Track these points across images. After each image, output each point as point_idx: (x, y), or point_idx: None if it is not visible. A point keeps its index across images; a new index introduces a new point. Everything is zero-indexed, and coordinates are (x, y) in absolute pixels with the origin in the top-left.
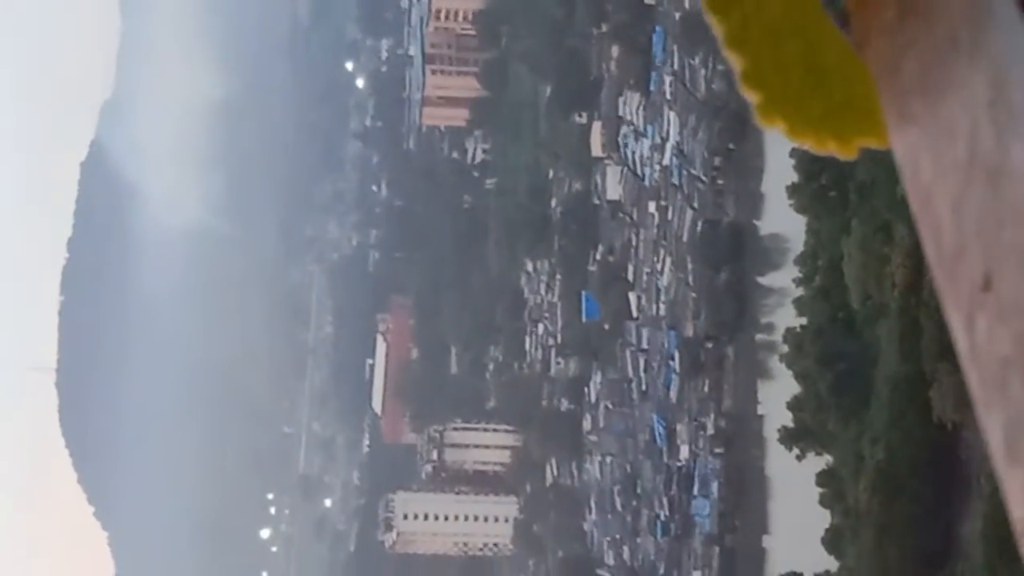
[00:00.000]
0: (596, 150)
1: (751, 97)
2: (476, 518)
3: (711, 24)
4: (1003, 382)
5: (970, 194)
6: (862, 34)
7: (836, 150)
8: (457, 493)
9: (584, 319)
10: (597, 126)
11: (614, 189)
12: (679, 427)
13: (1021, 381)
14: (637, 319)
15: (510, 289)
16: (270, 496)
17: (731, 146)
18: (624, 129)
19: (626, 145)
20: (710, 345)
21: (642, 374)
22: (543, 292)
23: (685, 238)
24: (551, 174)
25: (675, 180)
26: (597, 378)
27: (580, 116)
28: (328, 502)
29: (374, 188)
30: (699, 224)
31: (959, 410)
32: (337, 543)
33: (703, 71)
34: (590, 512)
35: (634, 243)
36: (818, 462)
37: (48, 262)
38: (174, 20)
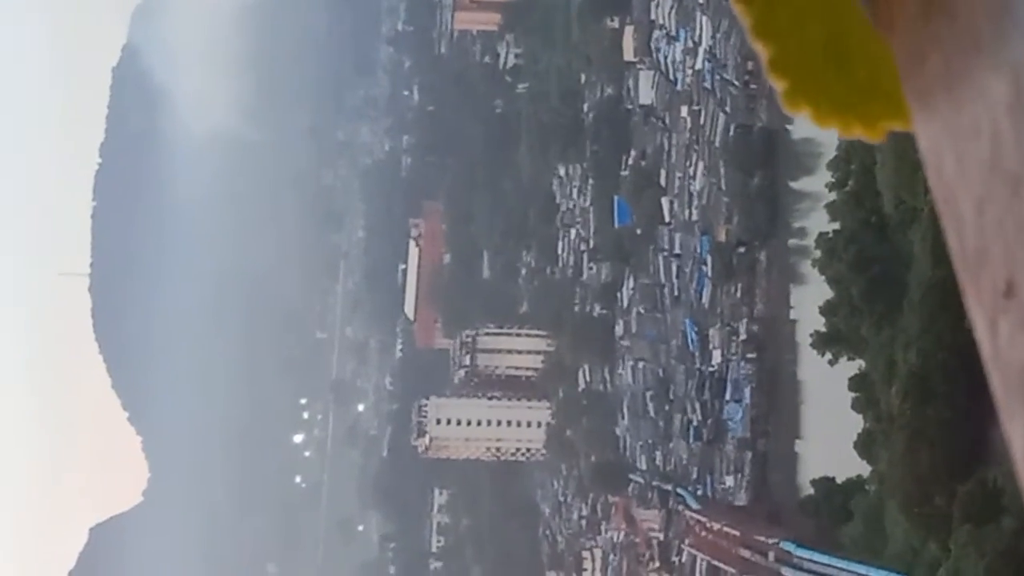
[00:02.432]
0: (628, 54)
1: (777, 84)
2: (508, 423)
3: (737, 14)
4: None
5: (992, 197)
6: (886, 23)
7: (863, 134)
8: (489, 398)
9: (616, 224)
10: (629, 30)
11: (646, 93)
12: (711, 332)
13: None
14: (669, 224)
15: (542, 194)
16: (303, 401)
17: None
18: (656, 33)
19: (658, 49)
20: (742, 250)
21: (674, 279)
22: (575, 197)
23: (717, 143)
24: (583, 78)
25: (707, 84)
26: (629, 283)
27: (612, 20)
28: (361, 407)
29: (406, 93)
30: (731, 128)
31: None
32: (370, 448)
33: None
34: (622, 417)
35: (666, 148)
36: (850, 367)
37: (81, 167)
38: None
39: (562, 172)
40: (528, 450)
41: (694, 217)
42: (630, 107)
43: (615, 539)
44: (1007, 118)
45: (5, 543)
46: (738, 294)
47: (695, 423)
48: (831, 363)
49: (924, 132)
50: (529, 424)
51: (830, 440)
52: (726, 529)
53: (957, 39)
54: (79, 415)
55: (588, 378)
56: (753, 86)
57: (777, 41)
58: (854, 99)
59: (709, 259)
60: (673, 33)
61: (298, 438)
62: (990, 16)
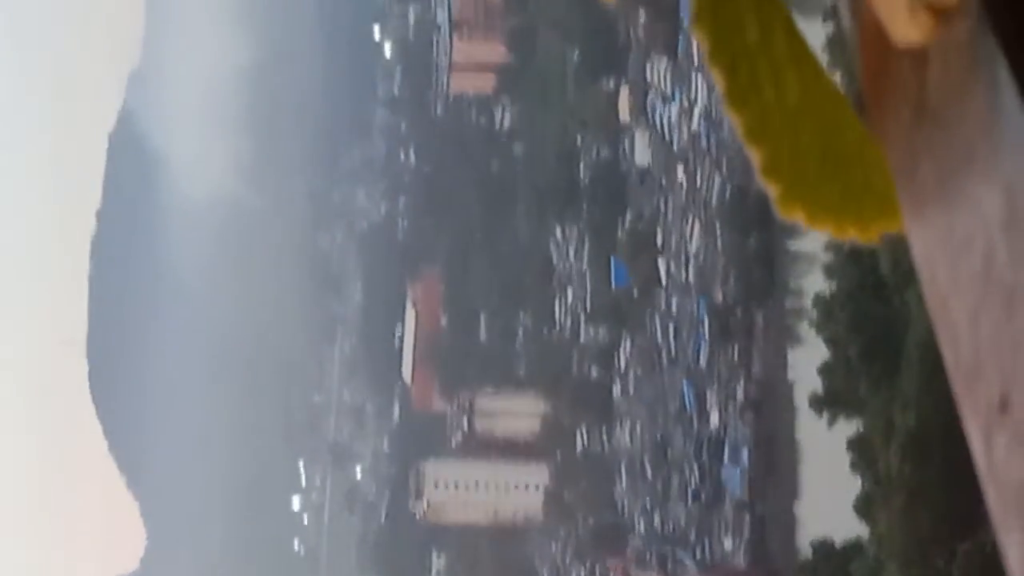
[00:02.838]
0: (624, 115)
1: (771, 189)
2: (506, 486)
3: (730, 118)
4: (1020, 506)
5: (986, 310)
6: (879, 128)
7: (856, 236)
8: (487, 461)
9: (613, 285)
10: (624, 91)
11: (642, 154)
12: (709, 393)
13: None
14: (666, 285)
15: (539, 255)
16: (300, 465)
17: None
18: (652, 94)
19: (654, 110)
20: (739, 311)
21: (671, 340)
22: (572, 258)
23: (714, 203)
24: (579, 140)
25: (703, 145)
26: (627, 345)
27: (607, 82)
28: (358, 471)
29: (402, 155)
30: (728, 189)
31: None
32: (368, 512)
33: None
34: (620, 479)
35: (663, 209)
36: (849, 428)
37: (77, 234)
38: None
39: (559, 234)
40: (526, 513)
41: (691, 278)
42: (626, 168)
43: None
44: (1000, 234)
45: None
46: (735, 355)
47: (693, 485)
48: (829, 424)
49: (918, 240)
50: (527, 487)
51: (829, 502)
52: None
53: (950, 150)
54: (76, 480)
55: (586, 440)
56: None
57: (770, 145)
58: (848, 202)
59: (706, 320)
60: (668, 94)
61: (296, 503)
62: (983, 129)
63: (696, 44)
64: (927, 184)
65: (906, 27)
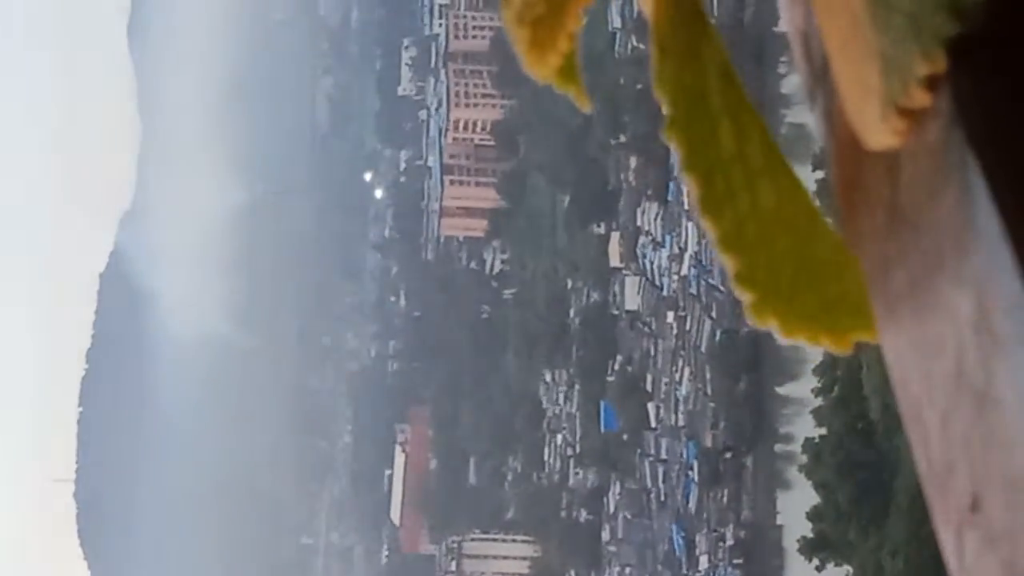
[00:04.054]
0: (614, 260)
1: (744, 297)
2: None
3: (705, 227)
4: None
5: (958, 412)
6: (853, 236)
7: (830, 345)
8: None
9: (603, 429)
10: (615, 236)
11: (632, 299)
12: (698, 537)
13: None
14: (656, 429)
15: (528, 399)
16: None
17: None
18: (642, 239)
19: (644, 255)
20: (729, 455)
21: (661, 484)
22: (561, 402)
23: (704, 348)
24: (569, 284)
25: (693, 290)
26: (616, 488)
27: (598, 226)
28: None
29: (392, 299)
30: (717, 334)
31: None
32: None
33: None
34: None
35: (652, 353)
36: (838, 573)
37: (67, 374)
38: (192, 127)
39: (548, 377)
40: None
41: (680, 422)
42: (616, 312)
43: None
44: (971, 335)
45: None
46: (725, 499)
47: None
48: (818, 569)
49: (890, 345)
50: None
51: None
52: None
53: (922, 253)
54: None
55: None
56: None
57: (744, 254)
58: (822, 311)
59: (695, 464)
60: (659, 239)
61: None
62: (953, 232)
63: (685, 187)
64: (900, 288)
65: (879, 131)
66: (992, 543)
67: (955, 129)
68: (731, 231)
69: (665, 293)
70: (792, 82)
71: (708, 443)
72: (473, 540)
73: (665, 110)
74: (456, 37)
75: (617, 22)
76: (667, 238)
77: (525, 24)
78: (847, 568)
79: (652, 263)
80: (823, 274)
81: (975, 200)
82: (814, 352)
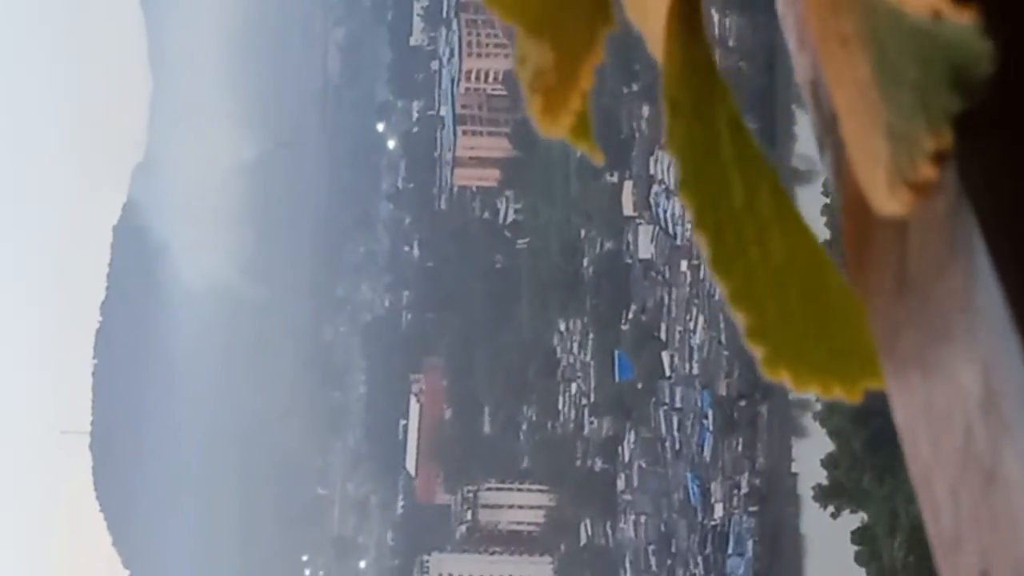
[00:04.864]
0: (627, 209)
1: (756, 351)
2: None
3: (716, 283)
4: None
5: (966, 487)
6: (861, 288)
7: (842, 394)
8: (491, 554)
9: (617, 378)
10: (628, 185)
11: (646, 248)
12: (713, 486)
13: None
14: (670, 378)
15: (543, 349)
16: (304, 558)
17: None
18: (655, 188)
19: (657, 204)
20: (743, 403)
21: (675, 433)
22: (576, 351)
23: (717, 296)
24: (583, 233)
25: None
26: (630, 437)
27: (611, 175)
28: (362, 564)
29: (406, 249)
30: None
31: None
32: None
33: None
34: (625, 572)
35: (666, 302)
36: (853, 520)
37: (82, 326)
38: (204, 80)
39: (562, 327)
40: None
41: (695, 371)
42: (630, 261)
43: None
44: (978, 414)
45: None
46: (739, 447)
47: None
48: (833, 516)
49: (900, 409)
50: None
51: None
52: None
53: (929, 324)
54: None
55: (590, 533)
56: None
57: (756, 308)
58: (833, 362)
59: (710, 413)
60: (672, 188)
61: None
62: (961, 306)
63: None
64: (908, 355)
65: (887, 199)
66: None
67: (962, 206)
68: (742, 286)
69: (679, 242)
70: None
71: (723, 391)
72: (488, 489)
73: (677, 169)
74: None
75: None
76: None
77: (537, 92)
78: (862, 515)
79: (665, 211)
80: (833, 323)
81: (981, 282)
82: None
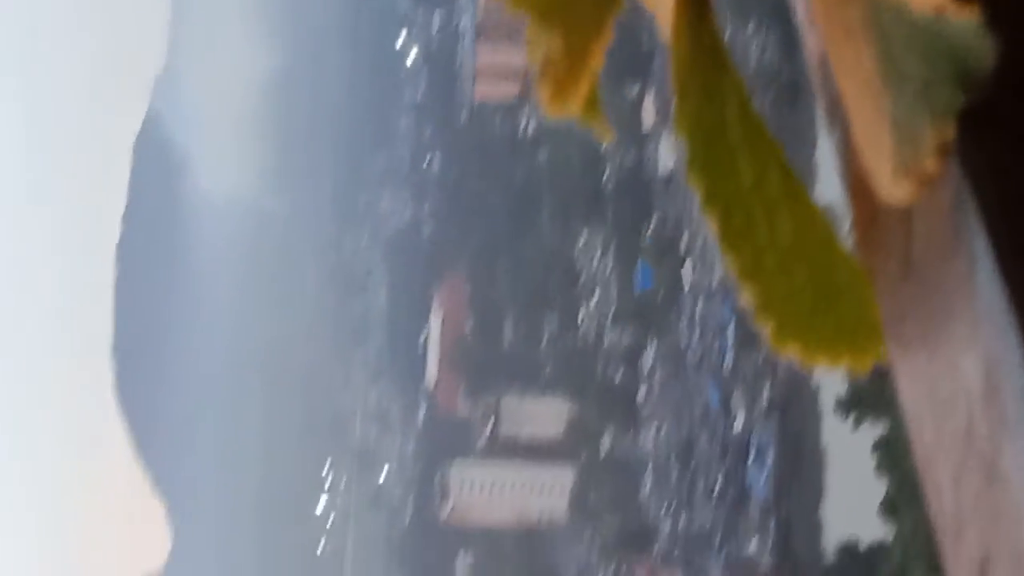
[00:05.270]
0: (648, 120)
1: (764, 326)
2: (531, 488)
3: (725, 261)
4: None
5: (967, 475)
6: (869, 268)
7: (851, 366)
8: (512, 463)
9: (638, 289)
10: (649, 96)
11: (667, 159)
12: (734, 396)
13: None
14: (691, 289)
15: (564, 260)
16: (326, 468)
17: (784, 117)
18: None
19: None
20: None
21: (697, 344)
22: (597, 263)
23: None
24: (603, 146)
25: None
26: (652, 348)
27: (632, 87)
28: (384, 473)
29: (427, 161)
30: None
31: None
32: (393, 515)
33: (755, 41)
34: (645, 482)
35: (688, 213)
36: (874, 430)
37: (103, 237)
38: None
39: (583, 238)
40: (551, 515)
41: (716, 282)
42: (651, 173)
43: None
44: (980, 405)
45: None
46: (761, 358)
47: (718, 487)
48: (855, 426)
49: (905, 391)
50: (552, 489)
51: (854, 504)
52: None
53: (932, 312)
54: (102, 481)
55: (611, 443)
56: None
57: (763, 285)
58: (841, 335)
59: (732, 324)
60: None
61: (321, 506)
62: (963, 297)
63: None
64: (913, 339)
65: (891, 188)
66: None
67: (965, 198)
68: (750, 263)
69: None
70: None
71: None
72: (510, 400)
73: (685, 152)
74: None
75: None
76: None
77: (546, 79)
78: (883, 425)
79: None
80: (842, 299)
81: (982, 275)
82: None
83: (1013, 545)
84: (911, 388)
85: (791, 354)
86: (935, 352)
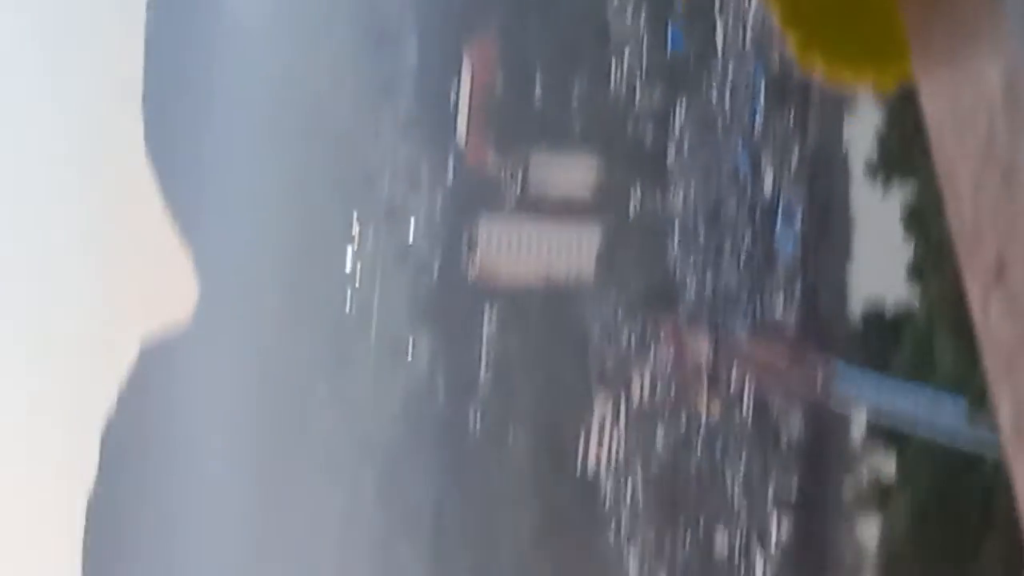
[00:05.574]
0: None
1: (789, 38)
2: (559, 246)
3: None
4: (1010, 368)
5: (987, 182)
6: None
7: (874, 81)
8: (540, 221)
9: (670, 50)
10: None
11: None
12: (764, 158)
13: None
14: (723, 50)
15: (596, 18)
16: (354, 223)
17: None
18: None
19: None
20: (796, 76)
21: (727, 106)
22: (629, 22)
23: None
24: None
25: None
26: (682, 109)
27: None
28: (412, 227)
29: None
30: None
31: None
32: (420, 270)
33: None
34: (673, 242)
35: None
36: (903, 193)
37: None
38: None
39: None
40: (578, 273)
41: (748, 44)
42: None
43: (663, 363)
44: (1001, 112)
45: (57, 348)
46: (791, 120)
47: (745, 249)
48: (884, 189)
49: (928, 101)
50: (580, 247)
51: (881, 267)
52: (775, 354)
53: (957, 23)
54: (129, 229)
55: (639, 202)
56: None
57: None
58: (866, 48)
59: (762, 86)
60: None
61: (349, 259)
62: (988, 10)
63: None
64: (938, 52)
65: None
66: (1012, 311)
67: None
68: None
69: None
70: None
71: (776, 65)
72: (539, 157)
73: None
74: None
75: None
76: None
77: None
78: (912, 188)
79: None
80: (866, 12)
81: None
82: None
83: None
84: (934, 101)
85: (815, 68)
86: (958, 64)
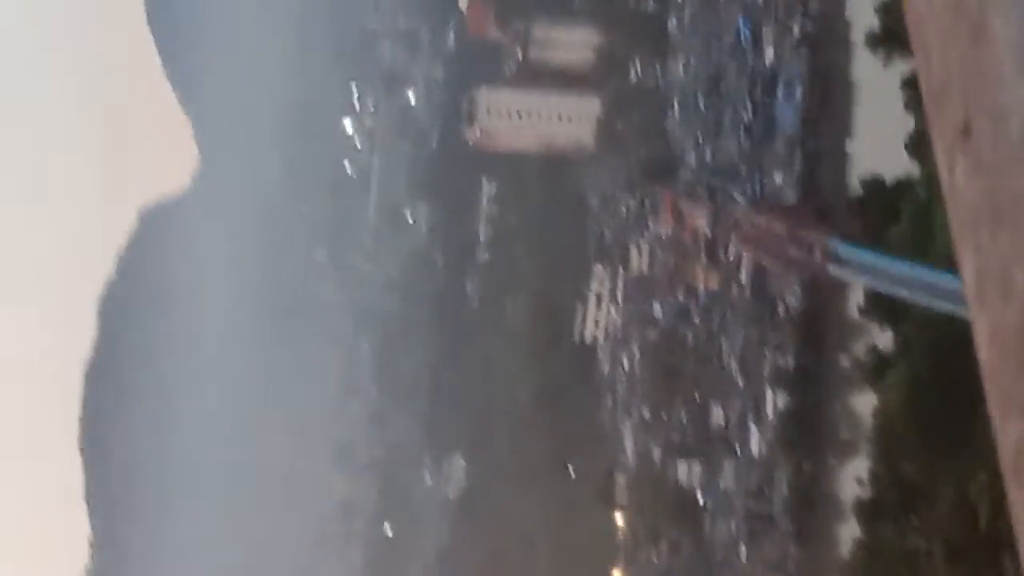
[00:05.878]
0: None
1: None
2: (559, 115)
3: None
4: (974, 229)
5: (955, 40)
6: None
7: None
8: (540, 90)
9: None
10: None
11: None
12: (765, 29)
13: (989, 234)
14: None
15: None
16: (353, 90)
17: None
18: None
19: None
20: None
21: None
22: None
23: None
24: None
25: None
26: None
27: None
28: (411, 97)
29: None
30: None
31: None
32: (420, 138)
33: None
34: (673, 112)
35: None
36: (904, 66)
37: None
38: None
39: None
40: (578, 142)
41: None
42: None
43: (662, 233)
44: None
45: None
46: None
47: (746, 120)
48: (885, 63)
49: None
50: (579, 117)
51: (881, 140)
52: (773, 226)
53: None
54: (129, 98)
55: (639, 73)
56: None
57: None
58: None
59: None
60: None
61: (348, 127)
62: None
63: None
64: None
65: None
66: (978, 170)
67: None
68: None
69: None
70: None
71: None
72: (540, 26)
73: None
74: None
75: None
76: None
77: None
78: (911, 61)
79: None
80: None
81: None
82: None
83: (994, 105)
84: None
85: None
86: None
